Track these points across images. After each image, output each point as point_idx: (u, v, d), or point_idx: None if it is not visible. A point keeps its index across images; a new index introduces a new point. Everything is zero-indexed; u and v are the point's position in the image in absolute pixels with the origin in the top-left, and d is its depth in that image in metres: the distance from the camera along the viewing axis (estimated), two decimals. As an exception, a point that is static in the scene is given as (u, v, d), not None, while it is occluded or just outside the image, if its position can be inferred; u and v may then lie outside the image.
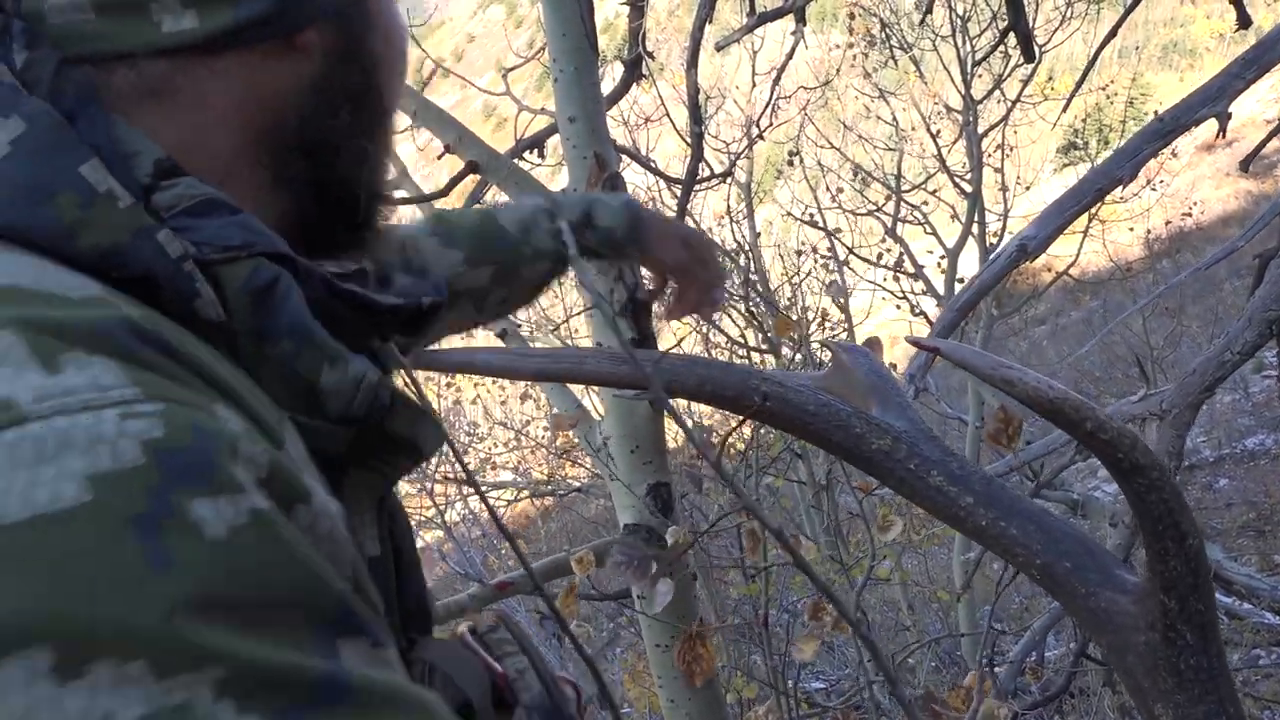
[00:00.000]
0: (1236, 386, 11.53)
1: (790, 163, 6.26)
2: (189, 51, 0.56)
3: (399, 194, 2.48)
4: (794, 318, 4.52)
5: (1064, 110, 5.25)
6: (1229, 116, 1.56)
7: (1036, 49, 4.78)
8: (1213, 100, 1.55)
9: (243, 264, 0.53)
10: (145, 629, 0.35)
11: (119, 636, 0.35)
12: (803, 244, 6.23)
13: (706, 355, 4.59)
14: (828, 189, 6.92)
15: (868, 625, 1.44)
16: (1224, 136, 1.66)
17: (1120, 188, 1.59)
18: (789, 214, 6.88)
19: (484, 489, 7.11)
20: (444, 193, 2.05)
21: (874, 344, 1.58)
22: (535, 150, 3.19)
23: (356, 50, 0.63)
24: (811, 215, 6.16)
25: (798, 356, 4.03)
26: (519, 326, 2.54)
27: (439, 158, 1.98)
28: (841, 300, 2.89)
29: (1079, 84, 2.57)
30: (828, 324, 5.33)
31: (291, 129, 0.61)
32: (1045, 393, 0.85)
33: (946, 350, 0.93)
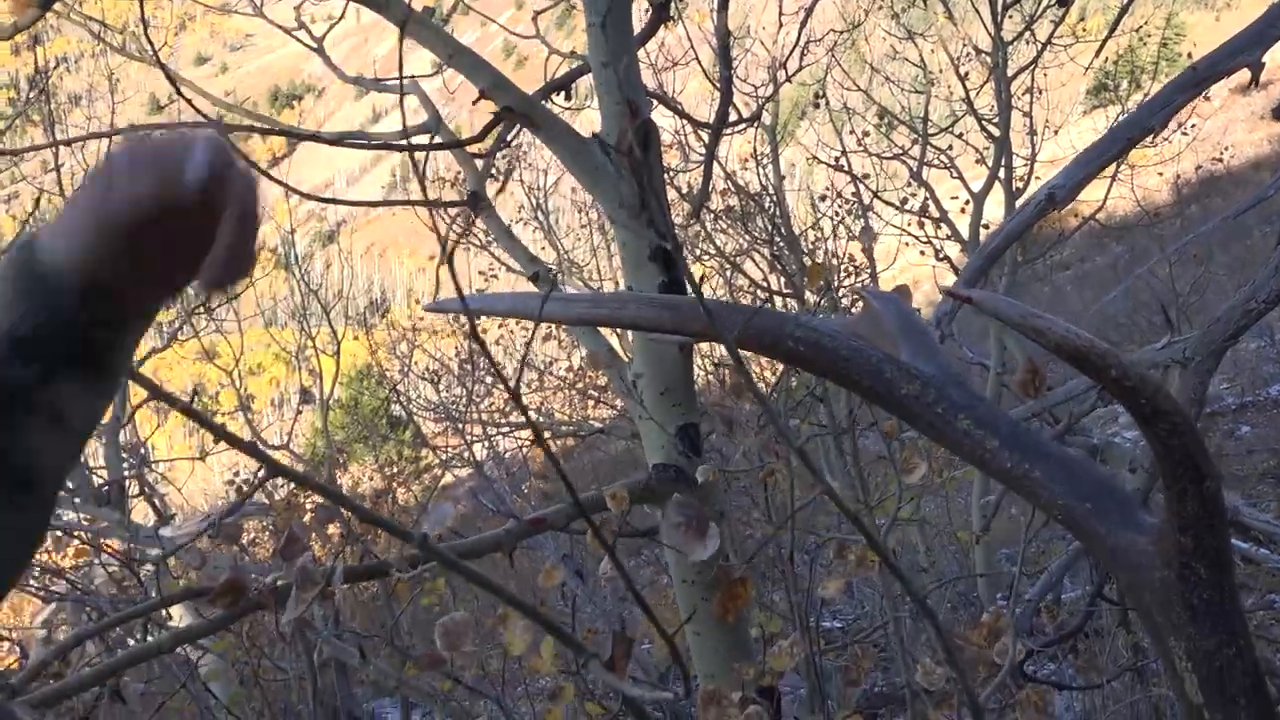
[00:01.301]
0: (1262, 333, 11.44)
1: (816, 105, 6.21)
2: None
3: (435, 140, 2.51)
4: (820, 263, 4.52)
5: (1097, 55, 5.16)
6: (1263, 65, 1.56)
7: (1070, -10, 4.71)
8: (1246, 49, 1.55)
9: None
10: None
11: None
12: (827, 188, 6.20)
13: (731, 299, 4.62)
14: (853, 131, 6.86)
15: (897, 560, 1.50)
16: (1257, 85, 1.66)
17: (1150, 137, 1.61)
18: (814, 157, 6.84)
19: (509, 430, 7.20)
20: (479, 138, 2.08)
21: (902, 292, 1.62)
22: (563, 93, 3.20)
23: None
24: (837, 158, 6.13)
25: (824, 301, 4.05)
26: (550, 271, 2.58)
27: (474, 103, 2.00)
28: (869, 246, 2.91)
29: (1113, 28, 2.54)
30: (853, 269, 5.33)
31: None
32: (1072, 340, 0.89)
33: (979, 300, 0.96)
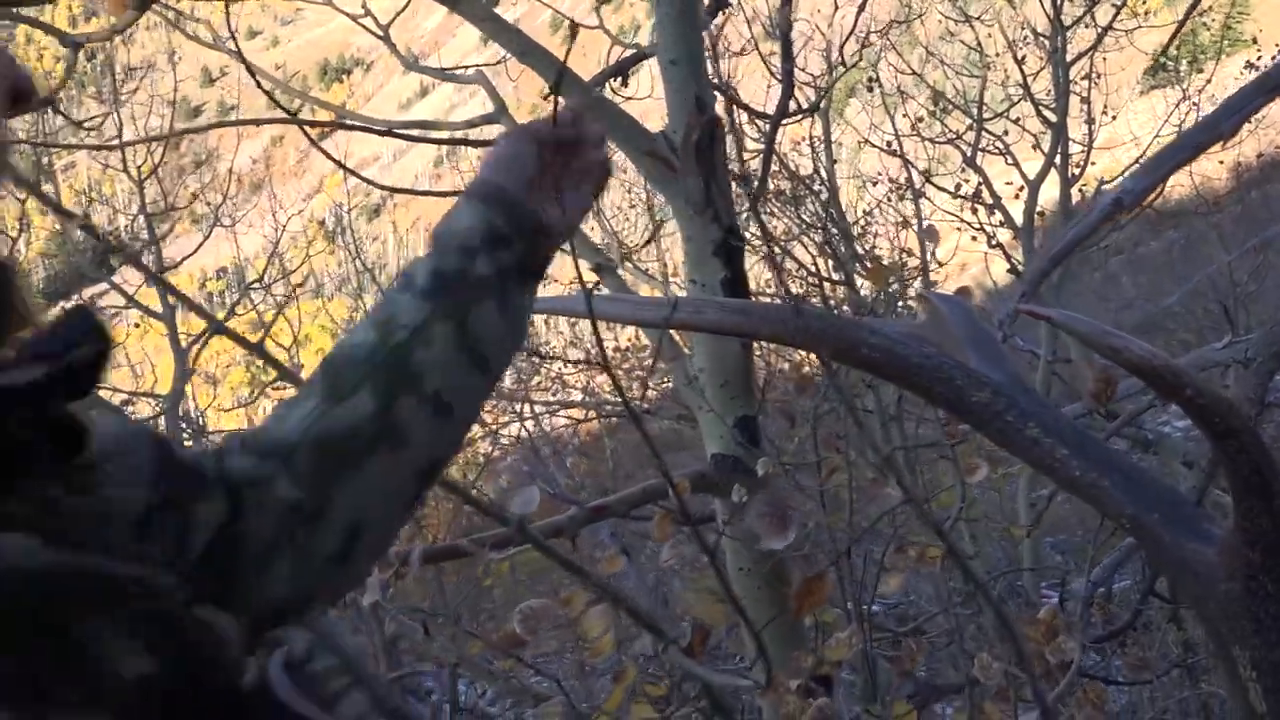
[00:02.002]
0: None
1: (870, 89, 6.17)
2: None
3: (498, 129, 2.56)
4: (883, 260, 4.52)
5: (1168, 46, 5.05)
6: (1339, 73, 1.55)
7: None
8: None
9: None
10: None
11: None
12: (879, 173, 6.17)
13: (780, 282, 4.63)
14: (906, 115, 6.81)
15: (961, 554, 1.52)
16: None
17: (1222, 143, 1.61)
18: (866, 141, 6.80)
19: (556, 408, 7.27)
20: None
21: (964, 293, 1.64)
22: (620, 79, 3.23)
23: None
24: (889, 143, 6.09)
25: (880, 296, 4.06)
26: (614, 264, 2.62)
27: (545, 98, 2.05)
28: (932, 245, 2.92)
29: (1183, 21, 2.51)
30: (907, 261, 5.31)
31: None
32: (1150, 360, 0.92)
33: (1059, 319, 1.00)
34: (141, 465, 0.66)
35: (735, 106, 2.77)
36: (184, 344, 7.08)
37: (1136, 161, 7.17)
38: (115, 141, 6.86)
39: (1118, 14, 6.01)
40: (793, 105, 3.26)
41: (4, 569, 0.49)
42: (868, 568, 1.91)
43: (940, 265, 5.33)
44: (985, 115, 6.55)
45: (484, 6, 2.08)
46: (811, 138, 5.27)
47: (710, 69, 4.57)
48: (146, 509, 0.64)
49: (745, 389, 2.18)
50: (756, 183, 2.93)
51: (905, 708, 1.75)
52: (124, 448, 0.66)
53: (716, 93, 2.58)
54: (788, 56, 2.53)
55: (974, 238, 6.91)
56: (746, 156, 3.66)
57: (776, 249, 4.71)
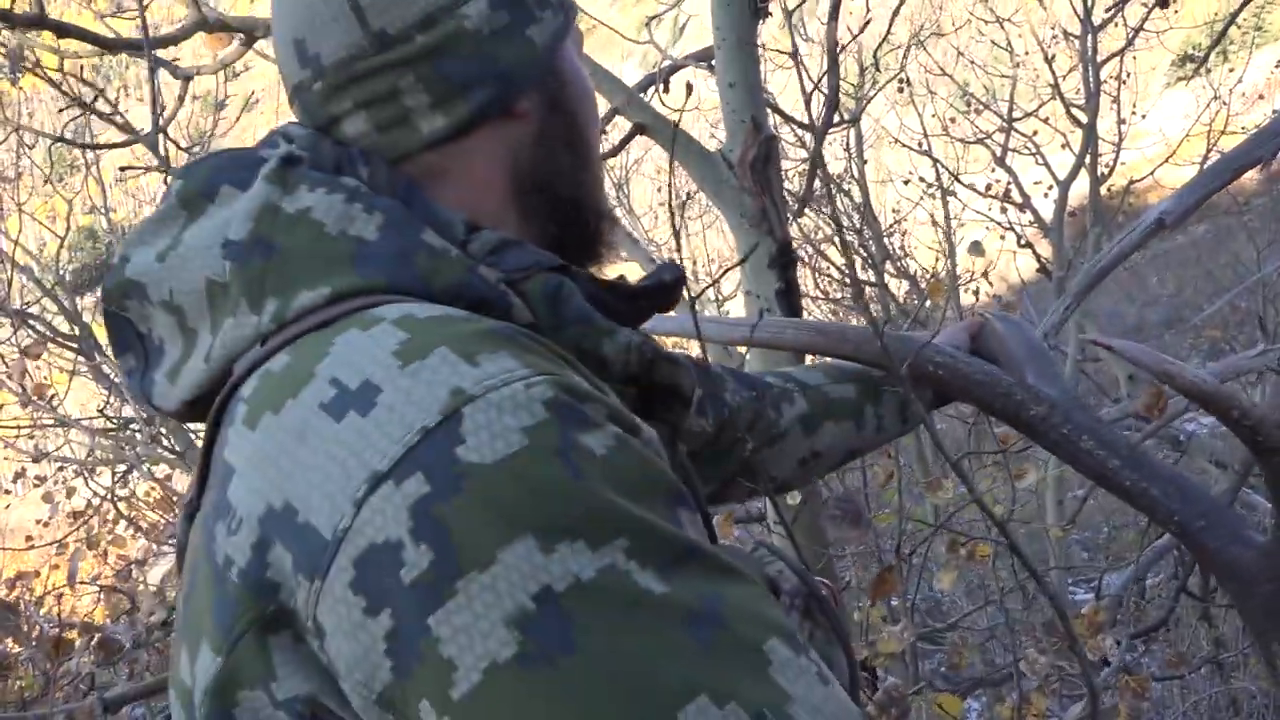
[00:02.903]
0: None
1: (900, 90, 6.25)
2: (445, 141, 0.79)
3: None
4: (916, 265, 4.60)
5: (1202, 65, 5.09)
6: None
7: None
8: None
9: (536, 279, 0.74)
10: (577, 520, 0.55)
11: (566, 527, 0.55)
12: (910, 172, 6.25)
13: (816, 284, 4.72)
14: (935, 115, 6.89)
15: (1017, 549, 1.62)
16: (1366, 119, 1.74)
17: (1260, 169, 1.70)
18: (896, 140, 6.88)
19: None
20: (614, 153, 2.24)
21: (1009, 308, 1.72)
22: (664, 87, 3.34)
23: (559, 104, 0.85)
24: (919, 142, 6.17)
25: (919, 303, 4.15)
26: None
27: (607, 120, 2.15)
28: (978, 258, 3.00)
29: (1223, 31, 2.57)
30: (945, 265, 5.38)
31: (527, 174, 0.83)
32: (1200, 385, 1.03)
33: (1119, 348, 1.10)
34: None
35: (782, 119, 2.87)
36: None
37: (1166, 160, 7.21)
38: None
39: (1149, 14, 6.04)
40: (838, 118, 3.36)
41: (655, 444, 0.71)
42: (921, 565, 2.01)
43: (983, 276, 5.38)
44: (1015, 115, 6.61)
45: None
46: (849, 147, 5.36)
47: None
48: (699, 399, 1.08)
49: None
50: (802, 192, 3.03)
51: (951, 698, 1.86)
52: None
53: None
54: (834, 73, 2.63)
55: (1003, 236, 6.98)
56: (787, 166, 3.75)
57: (812, 250, 4.82)
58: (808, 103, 2.37)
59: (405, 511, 0.54)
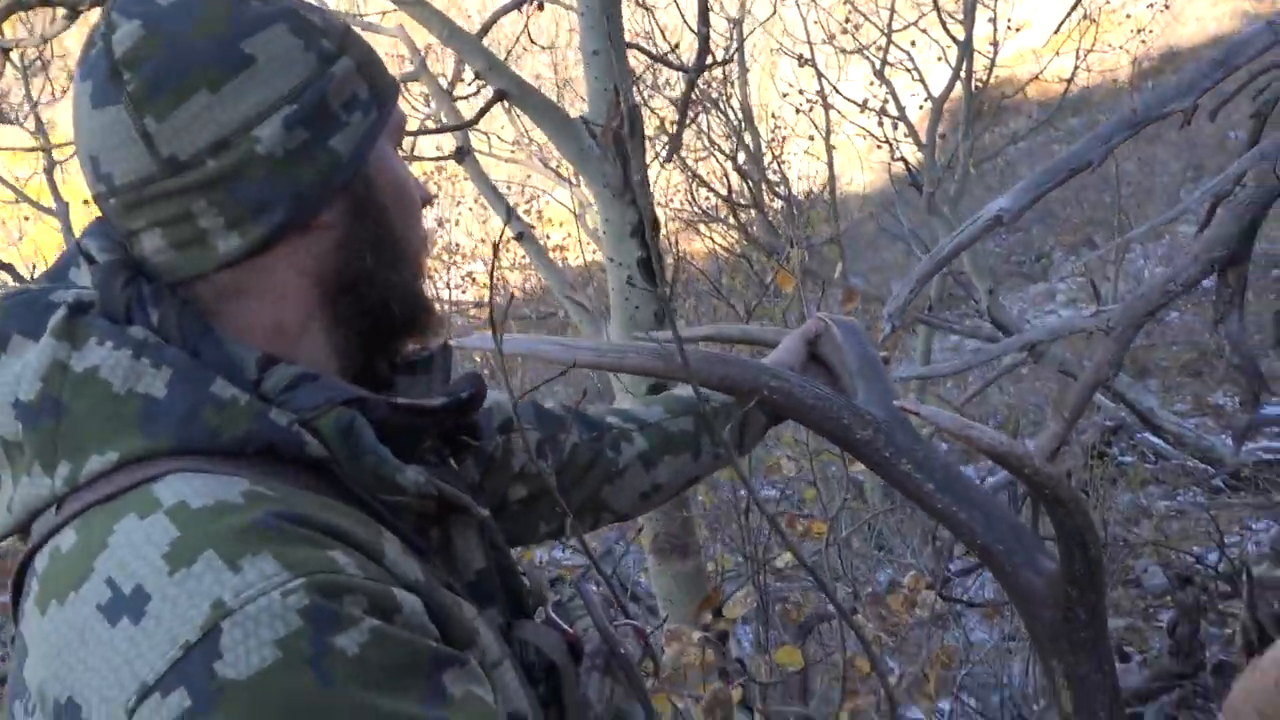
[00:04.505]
0: (1199, 219, 11.78)
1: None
2: (243, 259, 0.79)
3: (429, 124, 2.59)
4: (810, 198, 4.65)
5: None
6: (1195, 109, 1.74)
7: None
8: (1182, 95, 1.73)
9: (328, 415, 0.76)
10: None
11: None
12: (790, 84, 6.26)
13: (695, 207, 4.74)
14: (818, 21, 6.86)
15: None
16: (1190, 125, 1.85)
17: (1090, 170, 1.79)
18: (780, 47, 6.85)
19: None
20: (474, 121, 2.19)
21: (851, 298, 1.80)
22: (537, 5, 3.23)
23: (366, 208, 0.85)
24: (800, 56, 6.16)
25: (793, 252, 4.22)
26: (532, 228, 2.71)
27: (471, 87, 2.10)
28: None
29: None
30: (810, 181, 5.45)
31: (332, 280, 0.84)
32: (997, 446, 1.11)
33: (927, 415, 1.17)
34: (531, 419, 1.20)
35: (657, 63, 2.83)
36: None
37: (1036, 77, 7.38)
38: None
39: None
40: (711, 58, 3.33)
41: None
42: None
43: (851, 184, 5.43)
44: (895, 27, 6.64)
45: None
46: (728, 52, 5.30)
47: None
48: (539, 442, 1.18)
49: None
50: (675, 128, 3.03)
51: (791, 651, 2.00)
52: (524, 415, 1.18)
53: (633, 48, 2.65)
54: (705, 21, 2.60)
55: (879, 146, 7.10)
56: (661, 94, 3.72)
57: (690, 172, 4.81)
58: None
59: None
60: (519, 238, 2.51)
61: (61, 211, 6.94)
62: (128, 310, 0.77)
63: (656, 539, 1.70)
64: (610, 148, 2.14)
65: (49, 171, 6.57)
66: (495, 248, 1.24)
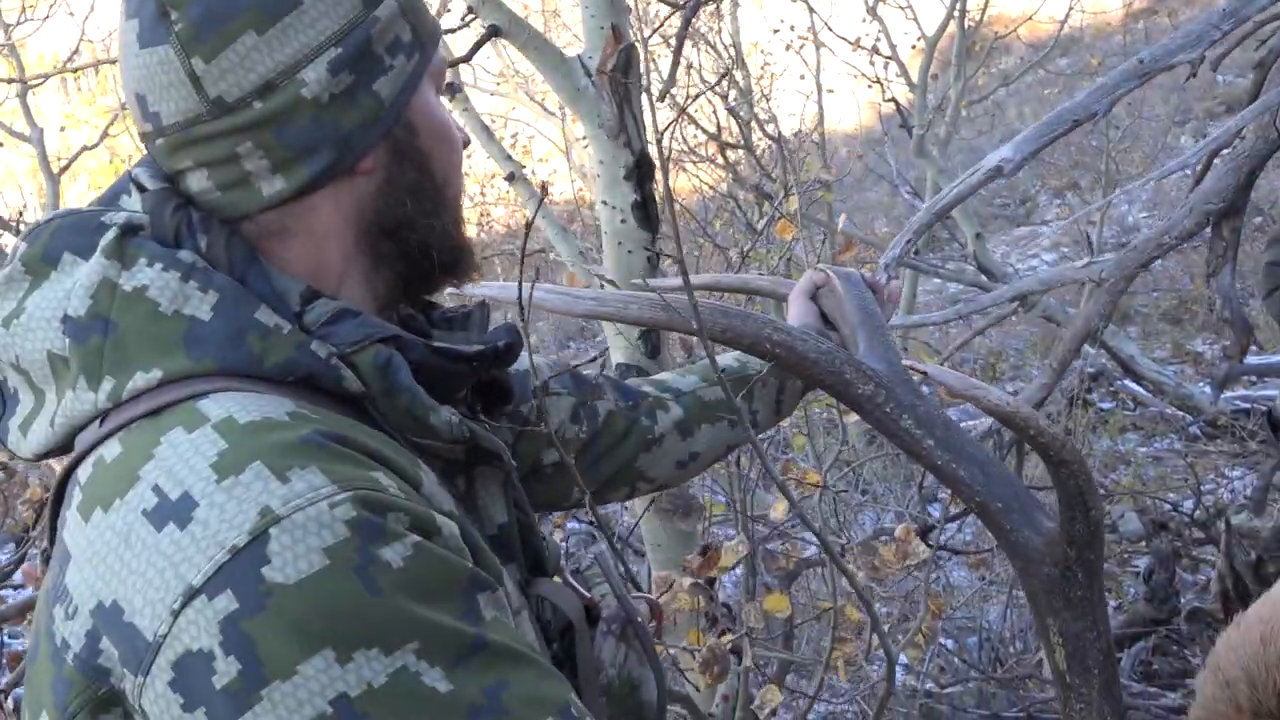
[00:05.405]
0: (1185, 163, 11.76)
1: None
2: (287, 201, 0.80)
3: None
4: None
5: None
6: (1203, 60, 1.71)
7: None
8: (1190, 46, 1.70)
9: (367, 351, 0.78)
10: (372, 630, 0.63)
11: (361, 637, 0.62)
12: (781, 20, 6.15)
13: (687, 149, 4.68)
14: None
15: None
16: (1195, 77, 1.82)
17: (1094, 122, 1.76)
18: (770, -18, 6.71)
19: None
20: (467, 57, 2.13)
21: (850, 240, 1.77)
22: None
23: (408, 154, 0.85)
24: (793, -10, 6.04)
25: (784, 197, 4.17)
26: (523, 168, 2.66)
27: (463, 19, 2.04)
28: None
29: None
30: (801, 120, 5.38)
31: (373, 223, 0.85)
32: (1003, 407, 1.10)
33: (934, 374, 1.16)
34: (568, 384, 1.20)
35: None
36: (55, 169, 6.73)
37: (1030, 18, 7.28)
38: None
39: None
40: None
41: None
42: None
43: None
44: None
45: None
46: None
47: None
48: (574, 407, 1.19)
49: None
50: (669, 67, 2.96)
51: (780, 598, 2.02)
52: (560, 380, 1.20)
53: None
54: (701, -43, 2.53)
55: (870, 86, 7.02)
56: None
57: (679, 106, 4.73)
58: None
59: (216, 625, 0.61)
60: (510, 179, 2.47)
61: (36, 137, 6.78)
62: (177, 235, 0.78)
63: (659, 499, 1.70)
64: (606, 88, 2.09)
65: (22, 96, 6.40)
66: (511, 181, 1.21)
